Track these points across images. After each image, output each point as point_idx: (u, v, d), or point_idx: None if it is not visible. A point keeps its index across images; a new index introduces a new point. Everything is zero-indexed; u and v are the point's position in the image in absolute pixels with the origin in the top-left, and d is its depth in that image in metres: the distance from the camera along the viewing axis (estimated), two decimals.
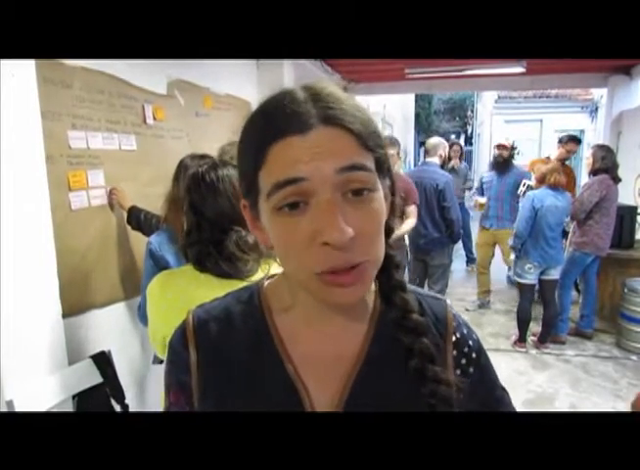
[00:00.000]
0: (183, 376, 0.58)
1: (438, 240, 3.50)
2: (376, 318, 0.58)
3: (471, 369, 0.60)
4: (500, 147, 4.58)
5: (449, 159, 5.20)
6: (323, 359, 0.56)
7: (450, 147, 5.27)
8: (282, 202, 0.46)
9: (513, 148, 4.63)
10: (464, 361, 0.60)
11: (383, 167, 0.51)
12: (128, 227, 2.06)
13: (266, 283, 0.62)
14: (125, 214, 2.03)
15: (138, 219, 1.98)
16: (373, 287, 0.58)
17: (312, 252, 0.46)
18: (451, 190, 3.47)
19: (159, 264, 1.49)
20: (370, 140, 0.48)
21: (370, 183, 0.47)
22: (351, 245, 0.45)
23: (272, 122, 0.47)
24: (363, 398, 0.54)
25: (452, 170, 5.56)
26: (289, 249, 0.48)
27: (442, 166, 3.78)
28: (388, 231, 0.54)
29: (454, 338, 0.60)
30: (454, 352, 0.59)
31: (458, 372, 0.59)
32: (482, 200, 4.53)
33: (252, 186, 0.49)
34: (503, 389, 0.69)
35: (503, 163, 4.57)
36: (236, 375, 0.56)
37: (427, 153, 3.68)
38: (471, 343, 0.61)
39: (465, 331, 0.61)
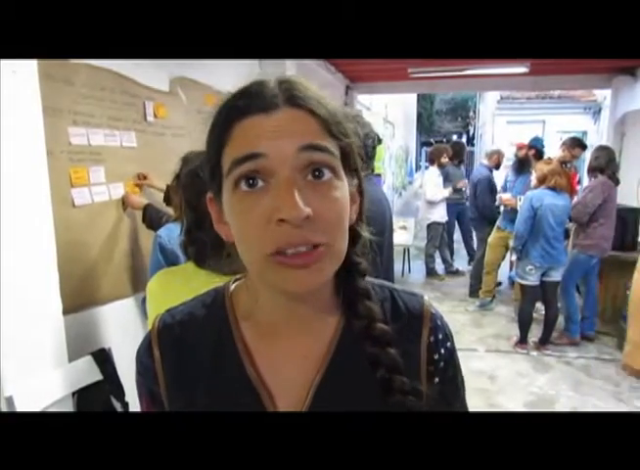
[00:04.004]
0: (152, 385, 0.58)
1: (475, 217, 5.23)
2: (341, 326, 0.56)
3: (436, 379, 0.57)
4: (517, 147, 4.75)
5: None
6: (288, 363, 0.55)
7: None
8: (239, 176, 0.45)
9: (531, 147, 4.64)
10: (431, 368, 0.57)
11: (349, 161, 0.50)
12: (131, 224, 2.07)
13: (232, 286, 0.60)
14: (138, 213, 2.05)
15: (150, 218, 1.99)
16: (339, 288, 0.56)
17: (268, 230, 0.45)
18: (482, 184, 5.00)
19: (168, 259, 1.47)
20: (334, 126, 0.48)
21: (331, 165, 0.46)
22: (308, 225, 0.44)
23: (237, 102, 0.47)
24: (327, 402, 0.53)
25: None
26: (245, 228, 0.47)
27: (497, 168, 5.26)
28: (355, 237, 0.53)
29: (428, 340, 0.57)
30: (425, 356, 0.57)
31: (425, 380, 0.56)
32: (506, 196, 4.55)
33: (216, 169, 0.49)
34: (464, 408, 0.63)
35: (519, 162, 4.68)
36: (198, 380, 0.55)
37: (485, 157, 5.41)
38: (442, 351, 0.58)
39: (440, 336, 0.58)
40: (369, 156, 1.83)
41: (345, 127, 0.50)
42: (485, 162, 5.33)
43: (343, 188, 0.48)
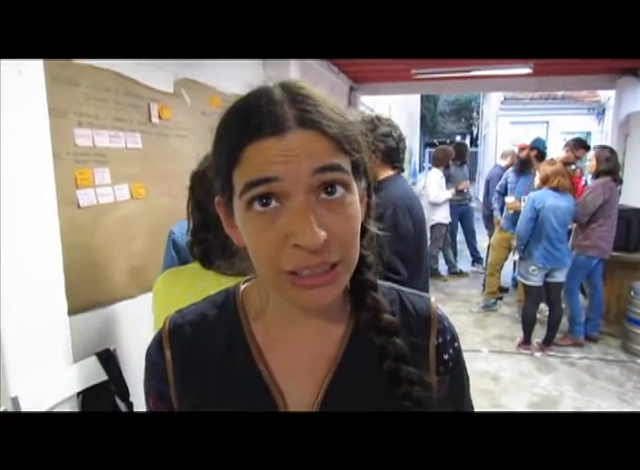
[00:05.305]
0: (160, 385, 0.58)
1: (487, 214, 5.48)
2: (352, 320, 0.57)
3: (446, 378, 0.59)
4: (519, 147, 4.76)
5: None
6: (299, 362, 0.55)
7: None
8: (253, 197, 0.45)
9: (532, 147, 4.62)
10: (441, 369, 0.58)
11: (359, 170, 0.50)
12: (136, 224, 2.07)
13: (242, 286, 0.61)
14: None
15: None
16: (348, 286, 0.57)
17: (284, 252, 0.45)
18: (493, 181, 5.31)
19: (181, 256, 1.46)
20: (346, 143, 0.47)
21: (343, 181, 0.47)
22: (324, 246, 0.44)
23: (248, 123, 0.46)
24: (338, 400, 0.54)
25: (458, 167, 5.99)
26: (260, 247, 0.47)
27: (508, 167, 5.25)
28: (362, 231, 0.53)
29: (436, 342, 0.58)
30: (434, 357, 0.58)
31: (435, 378, 0.58)
32: (510, 199, 4.54)
33: (227, 184, 0.49)
34: (470, 406, 0.66)
35: (520, 163, 4.69)
36: (210, 379, 0.56)
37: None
38: (451, 351, 0.60)
39: (448, 337, 0.60)
40: (400, 156, 1.91)
41: (358, 141, 0.50)
42: (501, 162, 5.52)
43: (355, 201, 0.48)
